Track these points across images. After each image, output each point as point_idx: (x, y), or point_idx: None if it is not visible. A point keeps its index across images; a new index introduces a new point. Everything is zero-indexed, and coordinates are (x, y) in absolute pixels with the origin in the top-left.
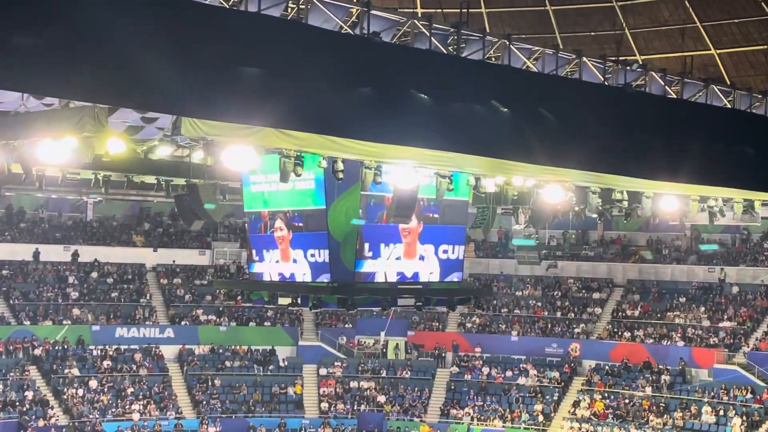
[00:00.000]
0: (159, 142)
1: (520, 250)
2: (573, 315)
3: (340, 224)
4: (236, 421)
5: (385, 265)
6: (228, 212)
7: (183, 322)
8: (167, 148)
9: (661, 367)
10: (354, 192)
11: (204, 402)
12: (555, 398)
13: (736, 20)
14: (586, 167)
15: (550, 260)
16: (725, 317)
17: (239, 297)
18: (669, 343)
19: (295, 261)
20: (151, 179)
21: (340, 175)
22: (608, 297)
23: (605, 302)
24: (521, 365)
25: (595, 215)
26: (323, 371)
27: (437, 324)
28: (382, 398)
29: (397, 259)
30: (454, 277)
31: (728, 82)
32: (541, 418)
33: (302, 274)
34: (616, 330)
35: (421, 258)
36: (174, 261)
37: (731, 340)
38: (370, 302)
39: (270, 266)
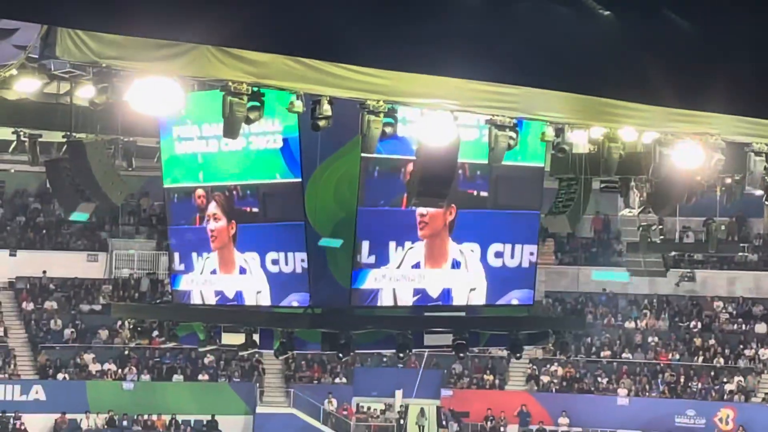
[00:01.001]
0: (19, 70)
1: (632, 251)
2: (722, 361)
3: (327, 209)
4: None
5: (397, 279)
6: (136, 189)
7: (61, 376)
8: (32, 82)
9: None
10: (350, 154)
11: None
12: None
13: None
14: (743, 110)
15: (683, 269)
16: None
17: (156, 333)
18: None
19: (243, 271)
20: (5, 134)
21: (323, 123)
22: None
23: None
24: None
25: (760, 192)
26: None
27: (492, 378)
28: None
29: (414, 267)
30: (514, 297)
31: None
32: None
33: (255, 292)
34: None
35: (455, 266)
36: (45, 272)
37: None
38: (378, 341)
39: (202, 280)
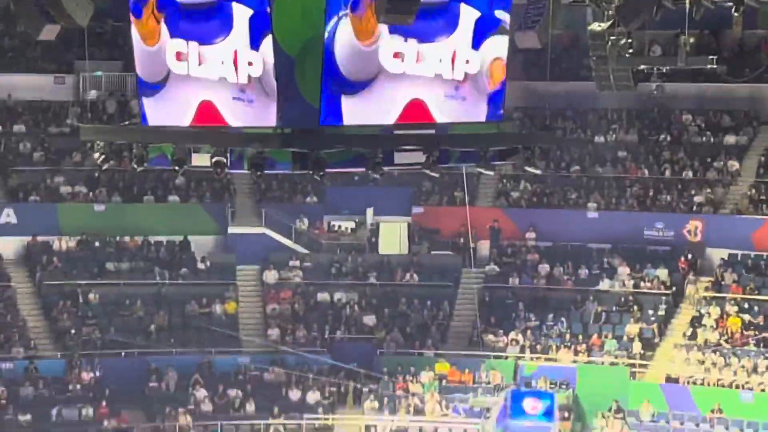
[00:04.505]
0: None
1: (601, 65)
2: (691, 173)
3: (295, 29)
4: (127, 361)
5: (358, 94)
6: (101, 9)
7: (32, 199)
8: None
9: None
10: None
11: (72, 332)
12: (661, 314)
13: None
14: None
15: (652, 81)
16: None
17: (125, 155)
18: None
19: (196, 86)
20: None
21: None
22: (751, 142)
23: (746, 151)
24: (604, 259)
25: (729, 3)
26: (271, 276)
27: (462, 194)
28: (370, 320)
29: (370, 81)
30: (477, 112)
31: None
32: (637, 346)
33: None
34: (763, 198)
35: (405, 76)
36: (10, 95)
37: None
38: (349, 160)
39: (158, 98)
